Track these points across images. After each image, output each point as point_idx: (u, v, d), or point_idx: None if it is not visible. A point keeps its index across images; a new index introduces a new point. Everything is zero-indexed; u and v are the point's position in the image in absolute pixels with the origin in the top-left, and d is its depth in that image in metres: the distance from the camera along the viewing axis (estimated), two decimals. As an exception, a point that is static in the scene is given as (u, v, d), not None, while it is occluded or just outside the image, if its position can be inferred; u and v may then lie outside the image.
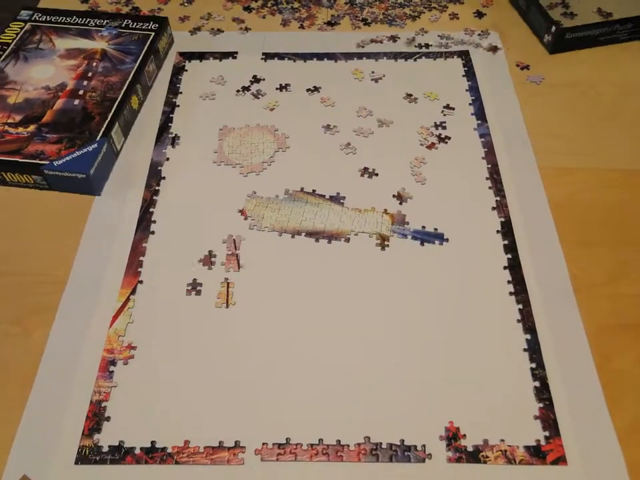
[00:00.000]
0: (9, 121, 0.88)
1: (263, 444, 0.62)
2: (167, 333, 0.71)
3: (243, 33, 1.09)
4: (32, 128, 0.87)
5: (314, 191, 0.84)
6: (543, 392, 0.65)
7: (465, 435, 0.62)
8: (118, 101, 0.91)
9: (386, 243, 0.78)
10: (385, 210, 0.81)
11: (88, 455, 0.61)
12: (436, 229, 0.79)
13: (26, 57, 0.98)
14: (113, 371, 0.67)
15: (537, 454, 0.60)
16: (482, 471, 0.60)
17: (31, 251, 0.79)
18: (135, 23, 1.03)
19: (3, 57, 0.98)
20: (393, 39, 1.07)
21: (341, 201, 0.83)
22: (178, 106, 0.96)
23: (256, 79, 1.01)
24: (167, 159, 0.89)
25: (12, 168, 0.83)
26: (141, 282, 0.75)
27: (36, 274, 0.76)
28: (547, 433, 0.62)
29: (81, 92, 0.92)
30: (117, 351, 0.69)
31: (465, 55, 1.03)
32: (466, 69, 1.01)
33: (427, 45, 1.05)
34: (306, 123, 0.94)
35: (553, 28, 1.01)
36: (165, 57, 1.05)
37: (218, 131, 0.93)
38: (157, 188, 0.85)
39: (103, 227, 0.80)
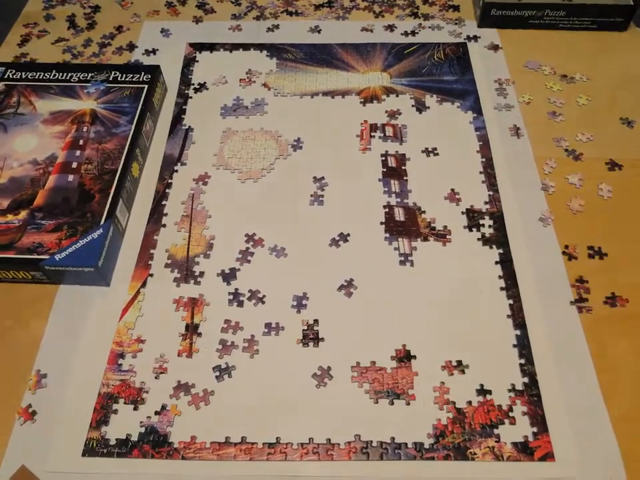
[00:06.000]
0: None
1: (252, 444, 0.60)
2: (176, 327, 0.69)
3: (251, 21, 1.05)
4: (23, 214, 0.72)
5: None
6: (531, 388, 0.62)
7: (452, 432, 0.60)
8: (119, 173, 0.76)
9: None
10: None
11: (95, 447, 0.60)
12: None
13: (5, 126, 0.82)
14: (121, 364, 0.65)
15: (524, 450, 0.59)
16: (470, 467, 0.58)
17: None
18: (124, 75, 0.88)
19: None
20: (391, 28, 1.03)
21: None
22: (191, 97, 0.93)
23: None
24: (181, 151, 0.85)
25: (6, 265, 0.69)
26: (151, 275, 0.72)
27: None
28: (534, 429, 0.60)
29: (74, 165, 0.77)
30: (125, 343, 0.67)
31: (462, 47, 0.98)
32: (463, 61, 0.96)
33: (413, 33, 1.02)
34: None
35: (481, 2, 0.98)
36: (160, 109, 0.91)
37: (221, 133, 0.89)
38: (169, 181, 0.82)
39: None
